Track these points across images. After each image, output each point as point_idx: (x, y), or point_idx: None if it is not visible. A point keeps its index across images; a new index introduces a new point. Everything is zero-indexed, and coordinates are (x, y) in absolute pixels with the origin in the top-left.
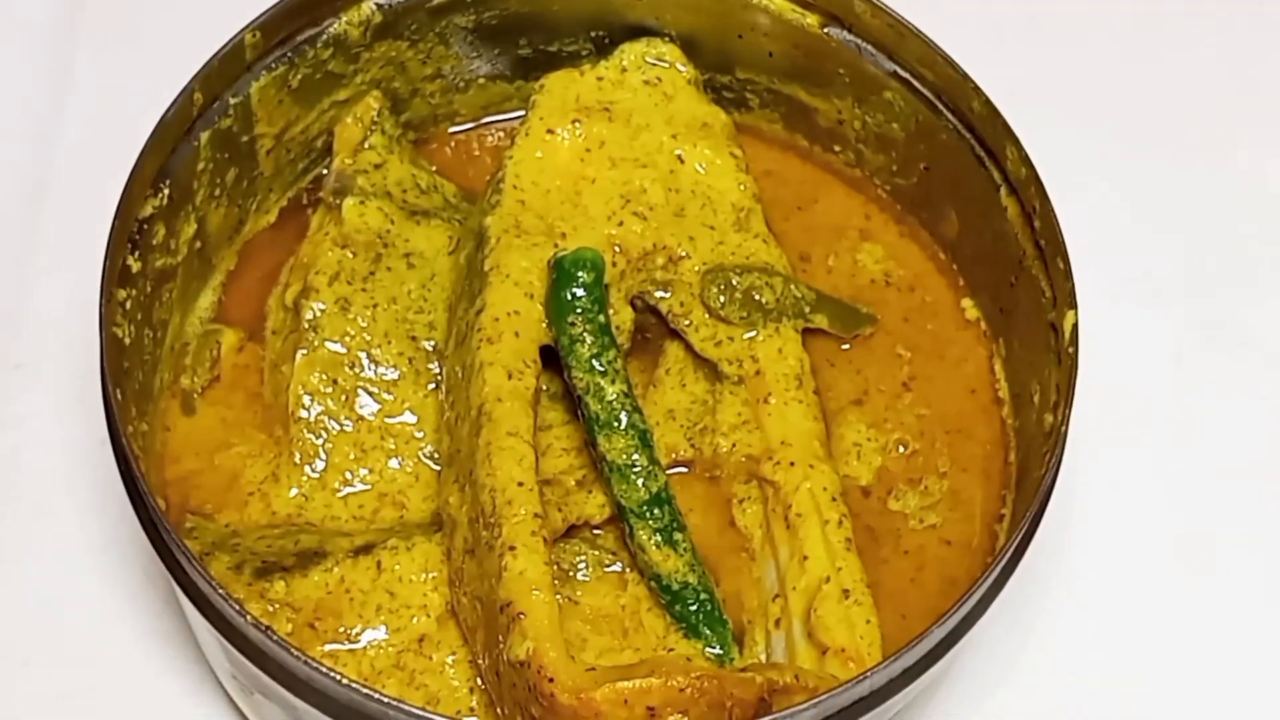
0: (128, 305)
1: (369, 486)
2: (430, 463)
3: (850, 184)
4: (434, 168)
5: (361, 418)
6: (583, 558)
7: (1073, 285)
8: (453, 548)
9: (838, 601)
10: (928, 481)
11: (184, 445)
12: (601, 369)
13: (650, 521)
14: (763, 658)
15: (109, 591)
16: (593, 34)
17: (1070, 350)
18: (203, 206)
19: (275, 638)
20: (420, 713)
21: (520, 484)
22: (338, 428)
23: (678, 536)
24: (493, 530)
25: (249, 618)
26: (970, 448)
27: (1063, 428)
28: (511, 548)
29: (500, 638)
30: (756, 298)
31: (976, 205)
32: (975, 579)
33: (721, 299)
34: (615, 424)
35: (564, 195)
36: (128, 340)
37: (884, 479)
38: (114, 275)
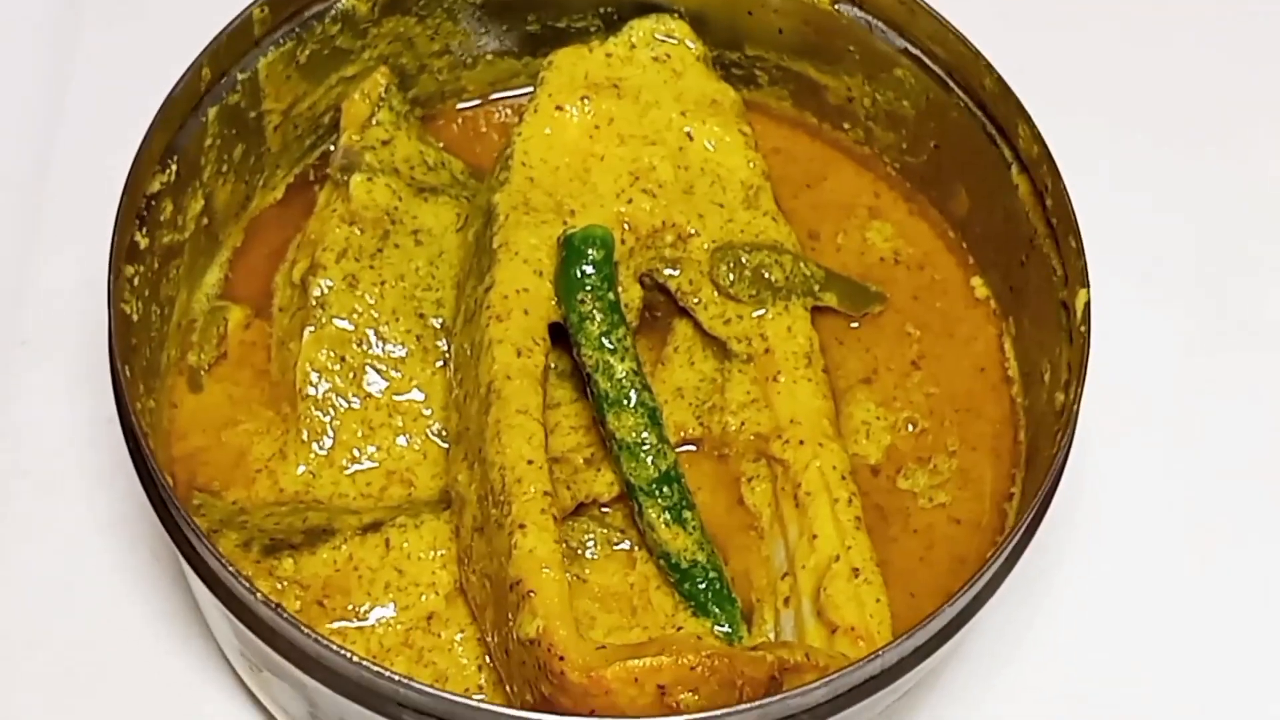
0: (135, 282)
1: (377, 464)
2: (438, 440)
3: (860, 162)
4: (441, 144)
5: (369, 395)
6: (591, 536)
7: (1085, 264)
8: (461, 525)
9: (847, 580)
10: (937, 460)
11: (191, 422)
12: (611, 347)
13: (659, 499)
14: (771, 636)
15: (116, 569)
16: (601, 10)
17: (1082, 329)
18: (210, 183)
19: (285, 615)
20: (429, 690)
21: (530, 462)
22: (345, 405)
23: (686, 514)
24: (502, 508)
25: (259, 595)
26: (979, 426)
27: (1074, 406)
28: (521, 525)
29: (510, 615)
30: (765, 276)
31: (987, 183)
32: (984, 557)
33: (730, 277)
34: (624, 402)
35: (573, 172)
36: (135, 317)
37: (893, 457)
38: (122, 251)
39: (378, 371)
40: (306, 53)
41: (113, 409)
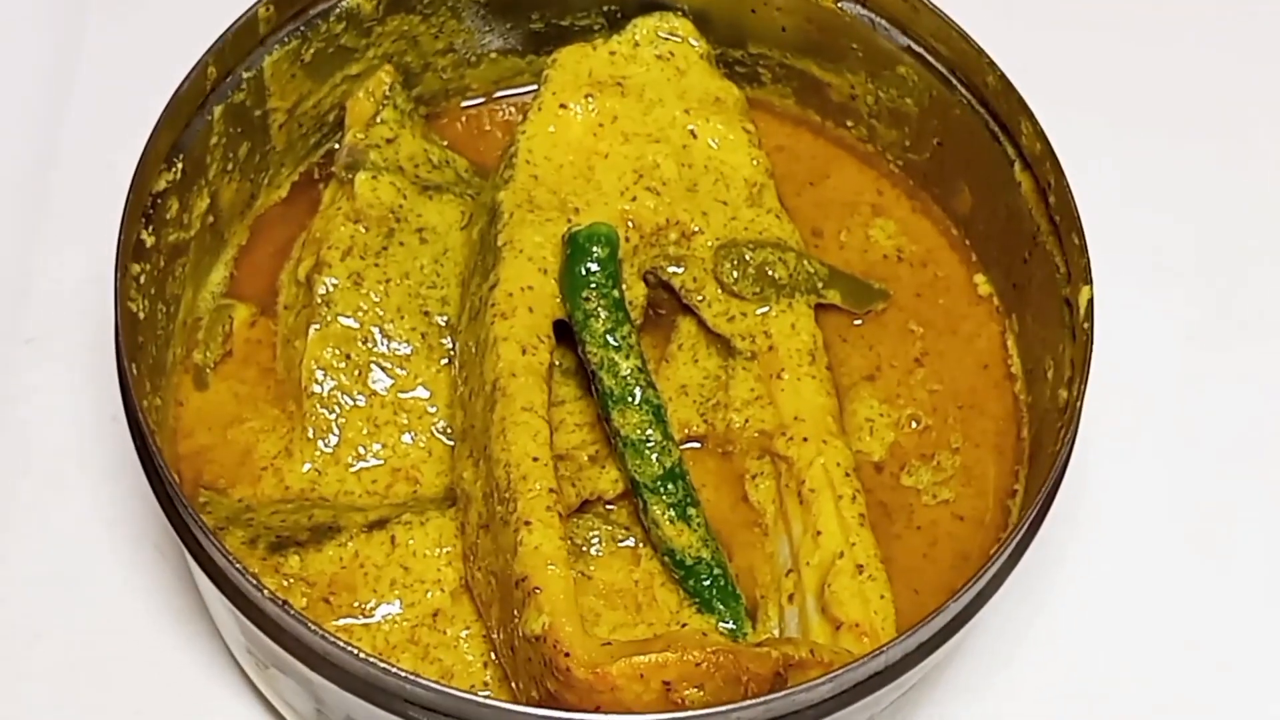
0: (141, 280)
1: (382, 461)
2: (443, 438)
3: (863, 159)
4: (446, 142)
5: (374, 393)
6: (596, 533)
7: (1088, 260)
8: (467, 523)
9: (851, 577)
10: (940, 457)
11: (197, 420)
12: (616, 344)
13: (664, 496)
14: (775, 632)
15: (122, 566)
16: (605, 8)
17: (1085, 325)
18: (215, 181)
19: (292, 612)
20: (435, 686)
21: (535, 459)
22: (350, 403)
23: (691, 511)
24: (507, 505)
25: (265, 591)
26: (983, 423)
27: (1078, 403)
28: (527, 522)
29: (515, 612)
30: (769, 273)
31: (990, 181)
32: (988, 554)
33: (734, 274)
34: (629, 399)
35: (576, 170)
36: (141, 315)
37: (897, 454)
38: (128, 249)
39: (383, 369)
40: (311, 51)
41: (119, 407)
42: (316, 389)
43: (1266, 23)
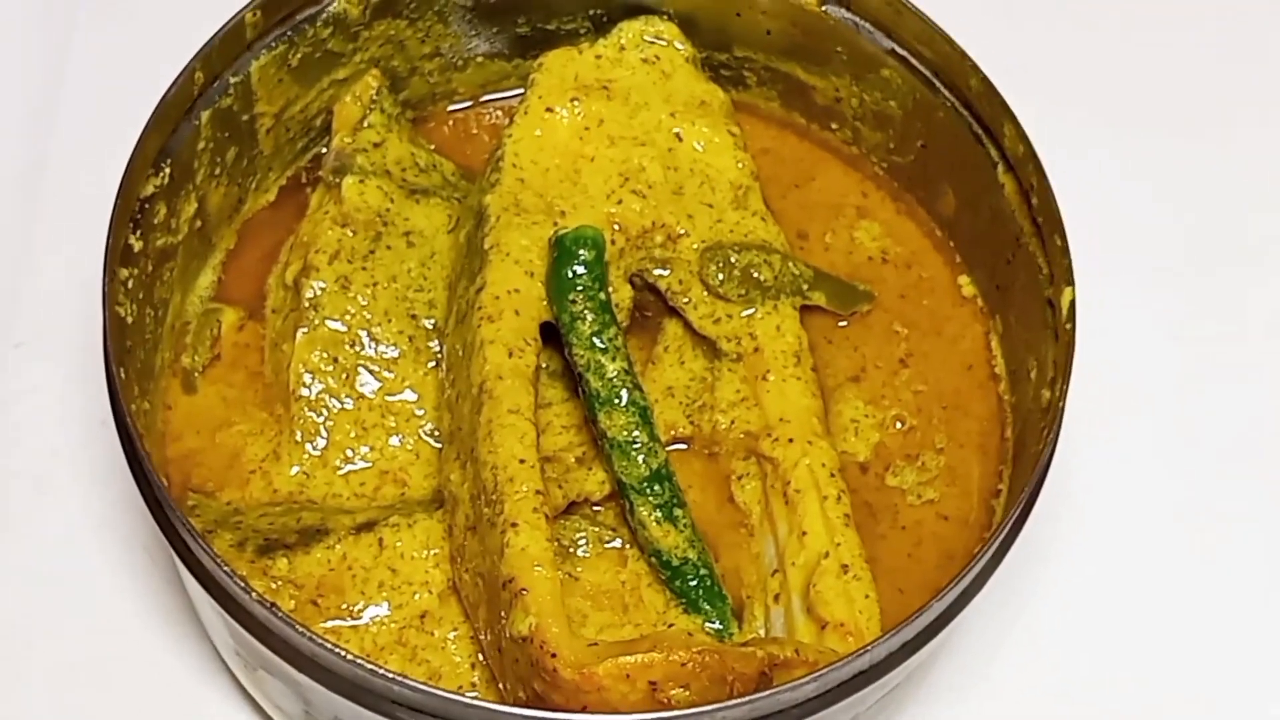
0: (129, 284)
1: (370, 464)
2: (431, 440)
3: (847, 161)
4: (433, 146)
5: (362, 395)
6: (583, 534)
7: (1070, 262)
8: (454, 525)
9: (836, 576)
10: (925, 457)
11: (185, 424)
12: (602, 346)
13: (650, 498)
14: (762, 632)
15: (111, 569)
16: (591, 12)
17: (1068, 326)
18: (203, 185)
19: (279, 614)
20: (423, 688)
21: (521, 461)
22: (338, 405)
23: (677, 512)
24: (494, 507)
25: (253, 594)
26: (967, 424)
27: (1060, 404)
28: (513, 524)
29: (502, 613)
30: (755, 275)
31: (974, 182)
32: (972, 554)
33: (720, 276)
34: (616, 401)
35: (563, 173)
36: (130, 319)
37: (881, 455)
38: (116, 254)
39: (370, 372)
40: (298, 56)
41: (107, 411)
42: (304, 392)
43: (1249, 21)
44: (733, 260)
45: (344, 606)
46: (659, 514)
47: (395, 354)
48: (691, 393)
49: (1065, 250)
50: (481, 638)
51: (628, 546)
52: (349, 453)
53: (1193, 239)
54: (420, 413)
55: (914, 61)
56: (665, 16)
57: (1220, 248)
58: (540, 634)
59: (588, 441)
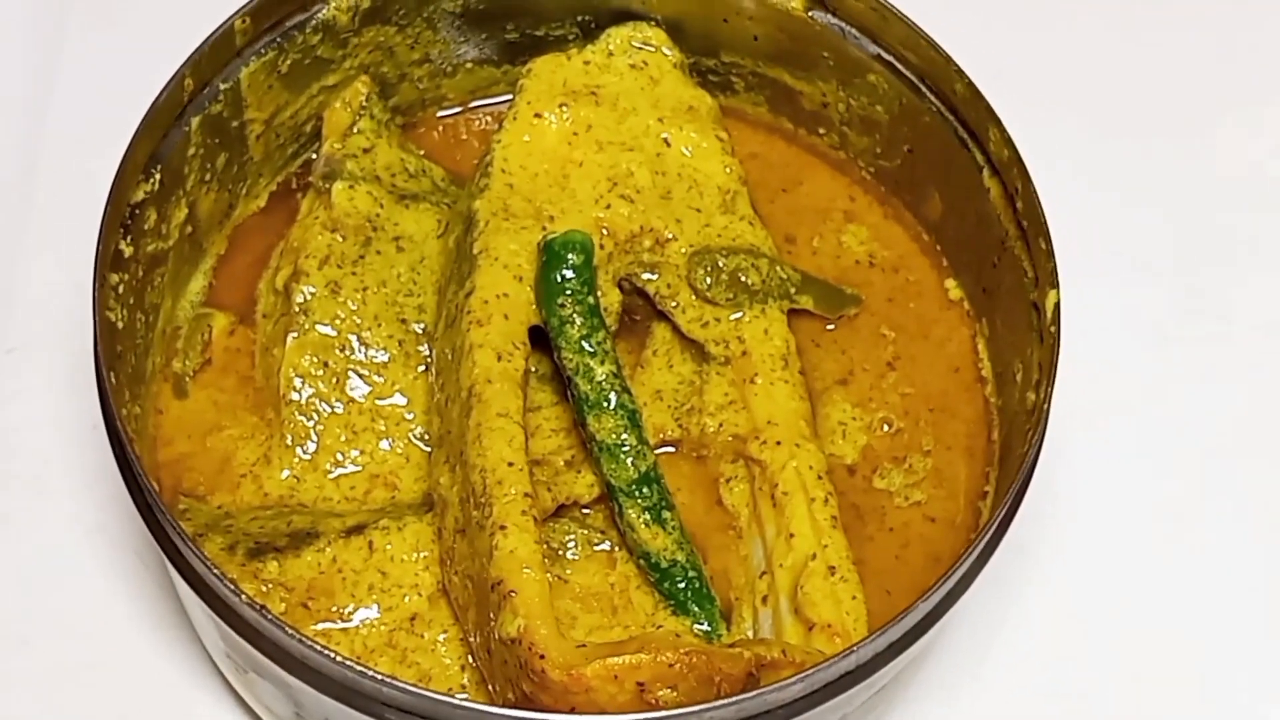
0: (120, 290)
1: (360, 468)
2: (421, 444)
3: (835, 166)
4: (422, 152)
5: (352, 400)
6: (572, 537)
7: (1054, 265)
8: (444, 527)
9: (824, 578)
10: (912, 459)
11: (176, 428)
12: (591, 350)
13: (639, 500)
14: (750, 634)
15: (102, 573)
16: (579, 18)
17: (1052, 329)
18: (193, 191)
19: (270, 617)
20: (413, 689)
21: (510, 464)
22: (329, 410)
23: (666, 515)
24: (483, 510)
25: (244, 597)
26: (954, 426)
27: (1045, 405)
28: (502, 527)
29: (491, 615)
30: (742, 279)
31: (959, 187)
32: (959, 555)
33: (708, 281)
34: (604, 404)
35: (551, 179)
36: (120, 324)
37: (869, 457)
38: (107, 260)
39: (360, 376)
40: (288, 62)
41: (99, 415)
42: (295, 396)
43: (1233, 23)
44: (721, 264)
45: (334, 609)
46: (648, 516)
47: (385, 358)
48: (680, 396)
49: (1050, 253)
50: (471, 640)
51: (617, 549)
52: (339, 456)
53: (1175, 240)
54: (410, 416)
55: (900, 67)
56: (653, 22)
57: (1202, 249)
58: (529, 635)
59: (577, 445)
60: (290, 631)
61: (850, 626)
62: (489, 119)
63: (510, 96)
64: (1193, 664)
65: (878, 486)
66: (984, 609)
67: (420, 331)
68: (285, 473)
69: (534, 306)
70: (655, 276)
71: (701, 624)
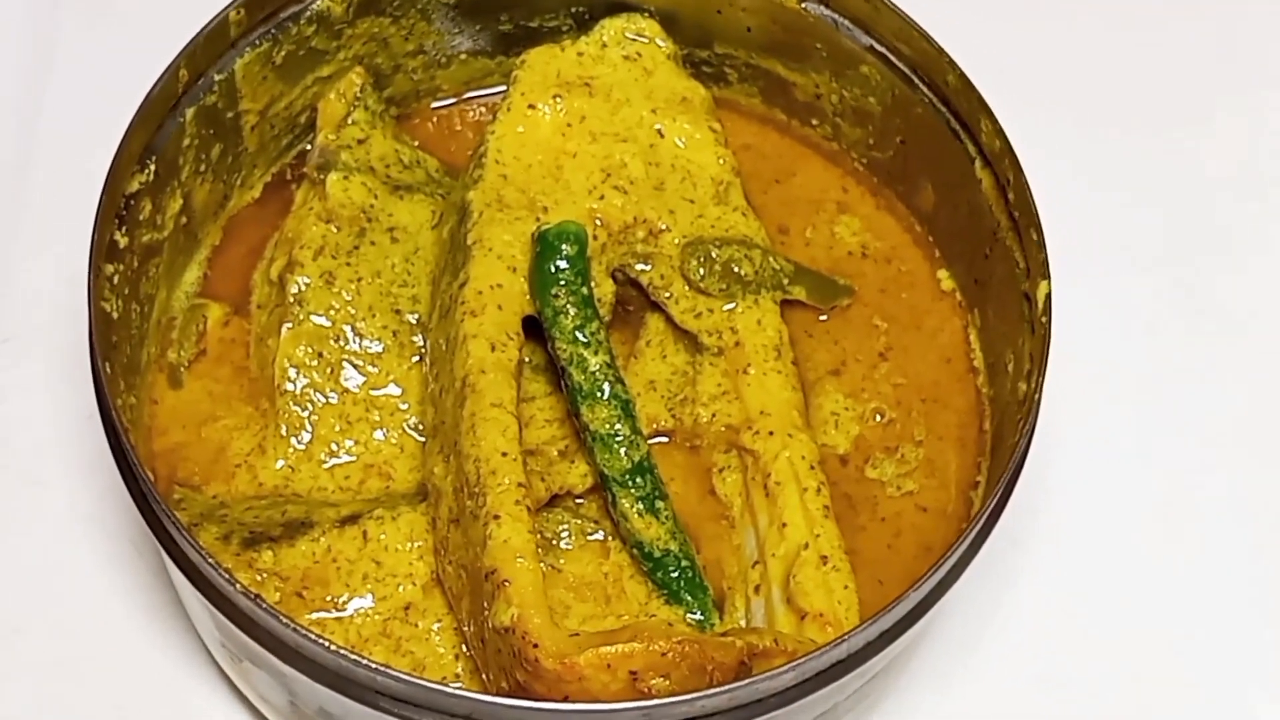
0: (115, 280)
1: (354, 458)
2: (415, 434)
3: (828, 157)
4: (416, 143)
5: (346, 390)
6: (566, 526)
7: (1046, 256)
8: (438, 517)
9: (816, 568)
10: (904, 449)
11: (171, 418)
12: (585, 340)
13: (632, 490)
14: (743, 623)
15: (98, 562)
16: (573, 9)
17: (1043, 320)
18: (188, 182)
19: (265, 606)
20: (407, 678)
21: (504, 454)
22: (323, 400)
23: (659, 505)
24: (477, 500)
25: (239, 586)
26: (946, 416)
27: (1036, 396)
28: (496, 517)
29: (485, 605)
30: (736, 270)
31: (952, 178)
32: (950, 545)
33: (701, 271)
34: (598, 394)
35: (545, 170)
36: (115, 315)
37: (861, 447)
38: (102, 251)
39: (355, 367)
40: (282, 54)
41: (94, 405)
42: (289, 387)
43: (1225, 16)
44: (714, 255)
45: (329, 598)
46: (641, 506)
47: (379, 349)
48: (673, 386)
49: (1041, 244)
50: (465, 629)
51: (610, 538)
52: (334, 446)
53: (1167, 231)
54: (404, 407)
55: (892, 58)
56: (647, 14)
57: (1194, 240)
58: (522, 624)
59: (570, 435)
60: (285, 621)
61: (842, 616)
62: (483, 110)
63: (504, 88)
64: (1181, 653)
65: (870, 476)
66: (975, 598)
67: (414, 322)
68: (280, 463)
69: (528, 297)
70: (649, 267)
71: (694, 613)
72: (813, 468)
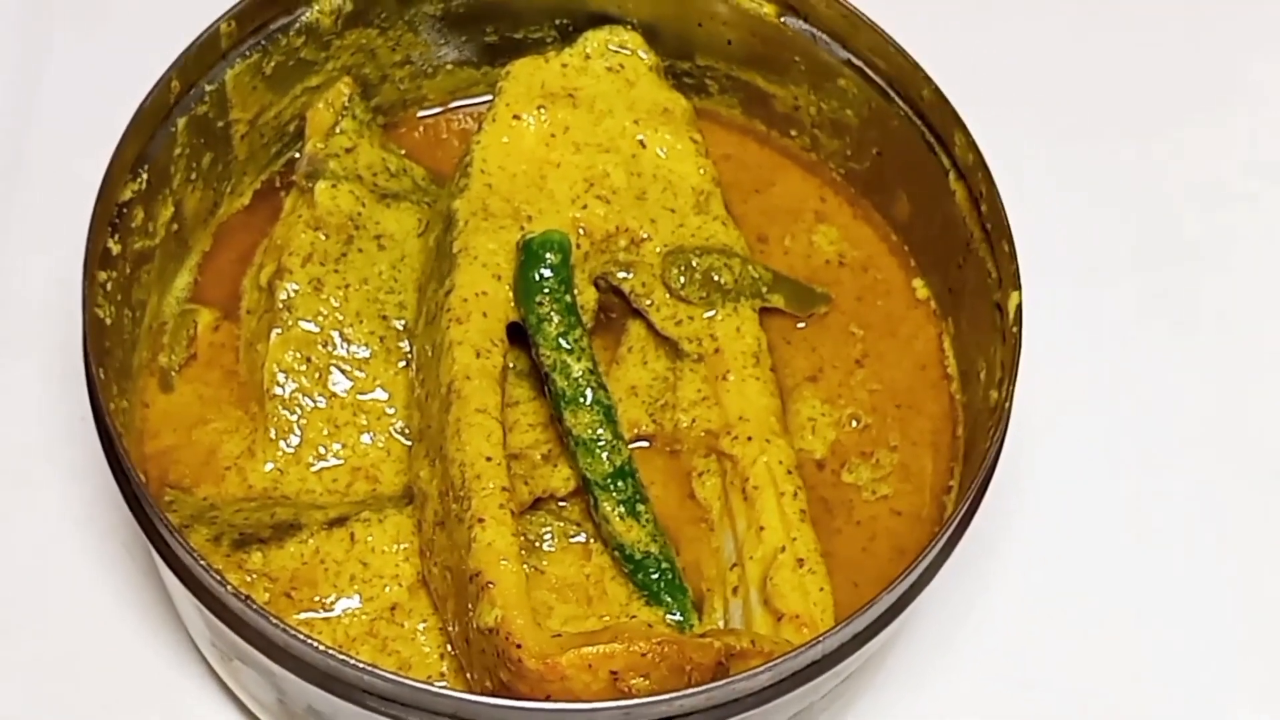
0: (108, 286)
1: (342, 461)
2: (401, 438)
3: (806, 168)
4: (403, 151)
5: (334, 394)
6: (549, 529)
7: (1017, 267)
8: (423, 520)
9: (792, 570)
10: (879, 455)
11: (162, 421)
12: (568, 347)
13: (614, 493)
14: (721, 624)
15: (90, 563)
16: (557, 22)
17: (1014, 329)
18: (179, 190)
19: (254, 606)
20: (392, 677)
21: (488, 459)
22: (311, 404)
23: (640, 508)
24: (462, 503)
25: (229, 587)
26: (920, 422)
27: (1007, 403)
28: (480, 520)
29: (470, 606)
30: (715, 278)
31: (926, 189)
32: (924, 548)
33: (682, 279)
34: (581, 400)
35: (529, 179)
36: (108, 320)
37: (837, 452)
38: (95, 257)
39: (342, 372)
40: (272, 64)
41: (87, 409)
42: (278, 391)
43: (1191, 26)
44: (694, 264)
45: (316, 599)
46: (622, 509)
47: (366, 354)
48: (654, 392)
49: (1012, 256)
50: (450, 629)
51: (592, 541)
52: (321, 450)
53: (1135, 242)
54: (391, 411)
55: (869, 72)
56: (629, 26)
57: (1162, 249)
58: (506, 625)
59: (553, 439)
60: (274, 620)
61: (818, 617)
62: (469, 119)
63: (489, 98)
64: (1153, 654)
65: (846, 481)
66: (949, 600)
67: (401, 328)
68: (269, 465)
69: (512, 304)
70: (630, 275)
71: (674, 614)
72: (790, 472)
